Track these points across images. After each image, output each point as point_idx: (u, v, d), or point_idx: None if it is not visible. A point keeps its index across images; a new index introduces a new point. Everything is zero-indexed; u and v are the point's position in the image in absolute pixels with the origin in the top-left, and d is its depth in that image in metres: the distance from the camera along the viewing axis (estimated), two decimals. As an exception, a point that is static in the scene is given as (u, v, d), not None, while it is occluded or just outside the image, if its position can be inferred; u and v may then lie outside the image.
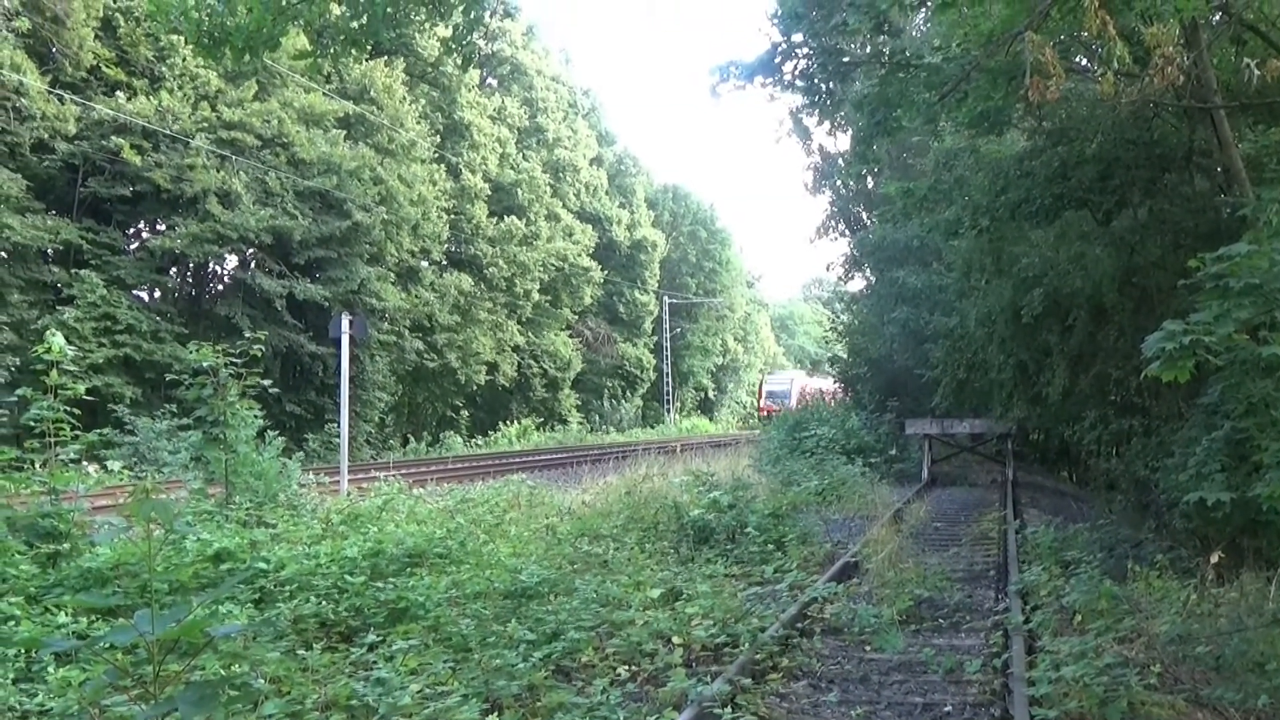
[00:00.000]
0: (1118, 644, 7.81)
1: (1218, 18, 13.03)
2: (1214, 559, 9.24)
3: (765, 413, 67.36)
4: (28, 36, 30.76)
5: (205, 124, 34.67)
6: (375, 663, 7.70)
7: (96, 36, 33.32)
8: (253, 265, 37.50)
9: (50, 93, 31.27)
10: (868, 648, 8.85)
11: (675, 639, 8.62)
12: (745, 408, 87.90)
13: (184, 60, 34.33)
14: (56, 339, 11.68)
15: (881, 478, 23.31)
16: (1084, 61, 15.27)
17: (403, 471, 22.76)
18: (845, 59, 15.07)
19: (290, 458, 15.45)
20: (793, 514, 15.68)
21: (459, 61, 11.20)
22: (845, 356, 35.03)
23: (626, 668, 7.87)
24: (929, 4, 12.96)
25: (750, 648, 8.21)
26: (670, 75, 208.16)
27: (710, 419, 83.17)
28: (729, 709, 6.77)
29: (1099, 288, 14.68)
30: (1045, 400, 16.90)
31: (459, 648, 8.09)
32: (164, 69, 34.87)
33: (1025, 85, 9.57)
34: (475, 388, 51.12)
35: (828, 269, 41.61)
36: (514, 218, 52.88)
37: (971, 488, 24.35)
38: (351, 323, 19.82)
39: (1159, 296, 13.65)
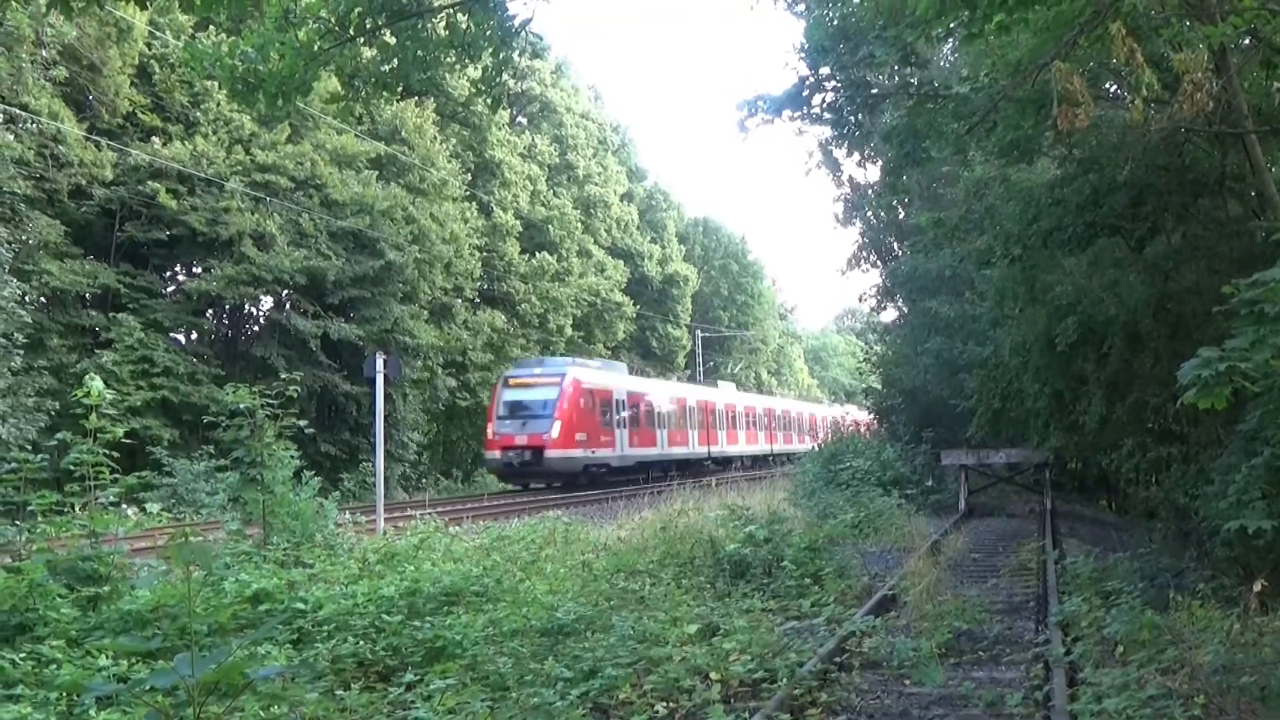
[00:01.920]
0: (1161, 675, 7.73)
1: (1247, 43, 13.00)
2: (1257, 587, 9.15)
3: (501, 448, 36.62)
4: (65, 85, 31.25)
5: (239, 167, 35.03)
6: (413, 702, 7.71)
7: (132, 83, 33.81)
8: (287, 306, 37.80)
9: (87, 139, 31.71)
10: (907, 681, 8.78)
11: (713, 675, 8.58)
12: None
13: (218, 105, 34.75)
14: (95, 383, 11.81)
15: (918, 509, 23.18)
16: (1113, 88, 15.25)
17: (438, 510, 22.80)
18: (873, 91, 15.10)
19: (326, 497, 15.49)
20: (829, 547, 15.60)
21: (489, 102, 11.33)
22: (879, 388, 34.94)
23: (664, 704, 7.84)
24: (956, 35, 12.98)
25: (788, 683, 8.16)
26: (701, 105, 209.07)
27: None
28: (768, 745, 6.73)
29: (1134, 315, 14.60)
30: (1082, 429, 16.78)
31: (496, 686, 8.09)
32: (198, 114, 35.32)
33: (1054, 114, 9.58)
34: (509, 425, 51.19)
35: (860, 300, 41.46)
36: (546, 254, 53.11)
37: (1009, 518, 24.17)
38: (385, 362, 19.92)
39: (1194, 323, 13.56)
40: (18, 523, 12.13)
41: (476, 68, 11.08)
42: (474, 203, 48.53)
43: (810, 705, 7.93)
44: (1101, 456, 17.80)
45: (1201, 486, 12.08)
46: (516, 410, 37.11)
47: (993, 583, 14.13)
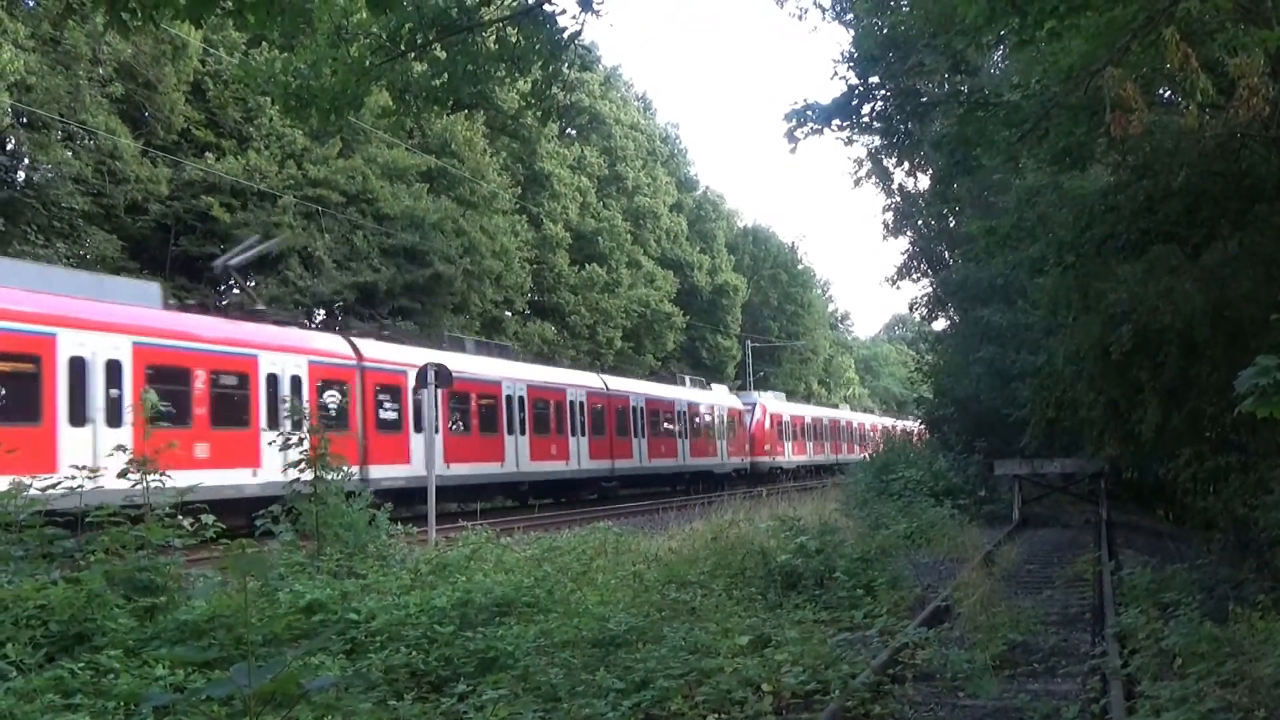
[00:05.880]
0: (1220, 688, 7.60)
1: (1304, 45, 12.80)
2: (1319, 599, 8.99)
3: None
4: (121, 102, 31.76)
5: (292, 182, 35.41)
6: (465, 713, 7.73)
7: (187, 100, 34.33)
8: (340, 317, 38.11)
9: (143, 155, 32.17)
10: (961, 694, 8.70)
11: (765, 686, 8.54)
12: None
13: (271, 121, 35.16)
14: (150, 395, 12.00)
15: (971, 519, 22.98)
16: (1167, 94, 15.07)
17: (489, 520, 22.88)
18: (923, 99, 15.05)
19: (379, 509, 15.58)
20: (881, 558, 15.49)
21: (539, 115, 11.39)
22: (931, 397, 34.70)
23: (716, 716, 7.82)
24: (1006, 42, 12.90)
25: (841, 695, 8.11)
26: (750, 111, 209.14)
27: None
28: (821, 757, 6.69)
29: (1190, 322, 14.39)
30: (1138, 438, 16.55)
31: (548, 697, 8.09)
32: (252, 129, 35.76)
33: (1107, 120, 9.49)
34: (560, 435, 51.39)
35: (911, 309, 41.42)
36: (595, 265, 53.28)
37: (1064, 528, 23.90)
38: (437, 373, 20.04)
39: (1252, 330, 13.34)
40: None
41: (526, 81, 11.15)
42: (524, 215, 48.75)
43: (864, 717, 7.89)
44: (1158, 466, 17.52)
45: (1261, 496, 11.90)
46: None
47: (1048, 594, 13.98)
